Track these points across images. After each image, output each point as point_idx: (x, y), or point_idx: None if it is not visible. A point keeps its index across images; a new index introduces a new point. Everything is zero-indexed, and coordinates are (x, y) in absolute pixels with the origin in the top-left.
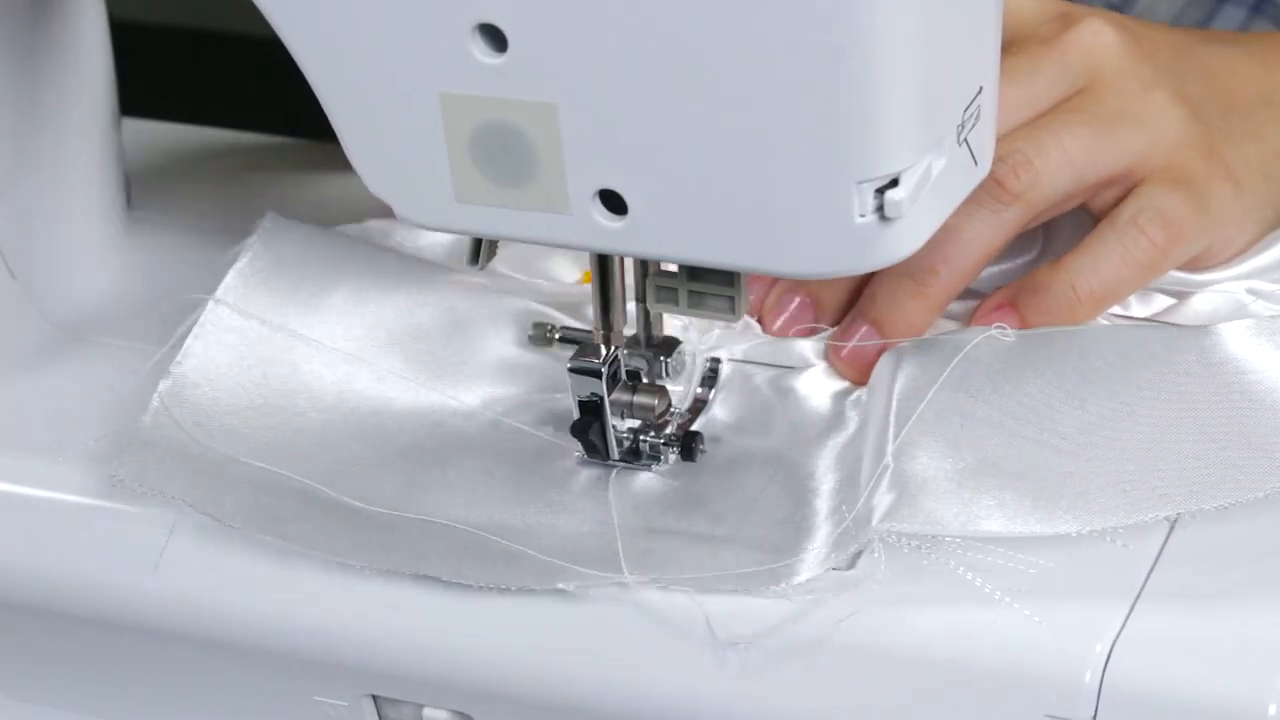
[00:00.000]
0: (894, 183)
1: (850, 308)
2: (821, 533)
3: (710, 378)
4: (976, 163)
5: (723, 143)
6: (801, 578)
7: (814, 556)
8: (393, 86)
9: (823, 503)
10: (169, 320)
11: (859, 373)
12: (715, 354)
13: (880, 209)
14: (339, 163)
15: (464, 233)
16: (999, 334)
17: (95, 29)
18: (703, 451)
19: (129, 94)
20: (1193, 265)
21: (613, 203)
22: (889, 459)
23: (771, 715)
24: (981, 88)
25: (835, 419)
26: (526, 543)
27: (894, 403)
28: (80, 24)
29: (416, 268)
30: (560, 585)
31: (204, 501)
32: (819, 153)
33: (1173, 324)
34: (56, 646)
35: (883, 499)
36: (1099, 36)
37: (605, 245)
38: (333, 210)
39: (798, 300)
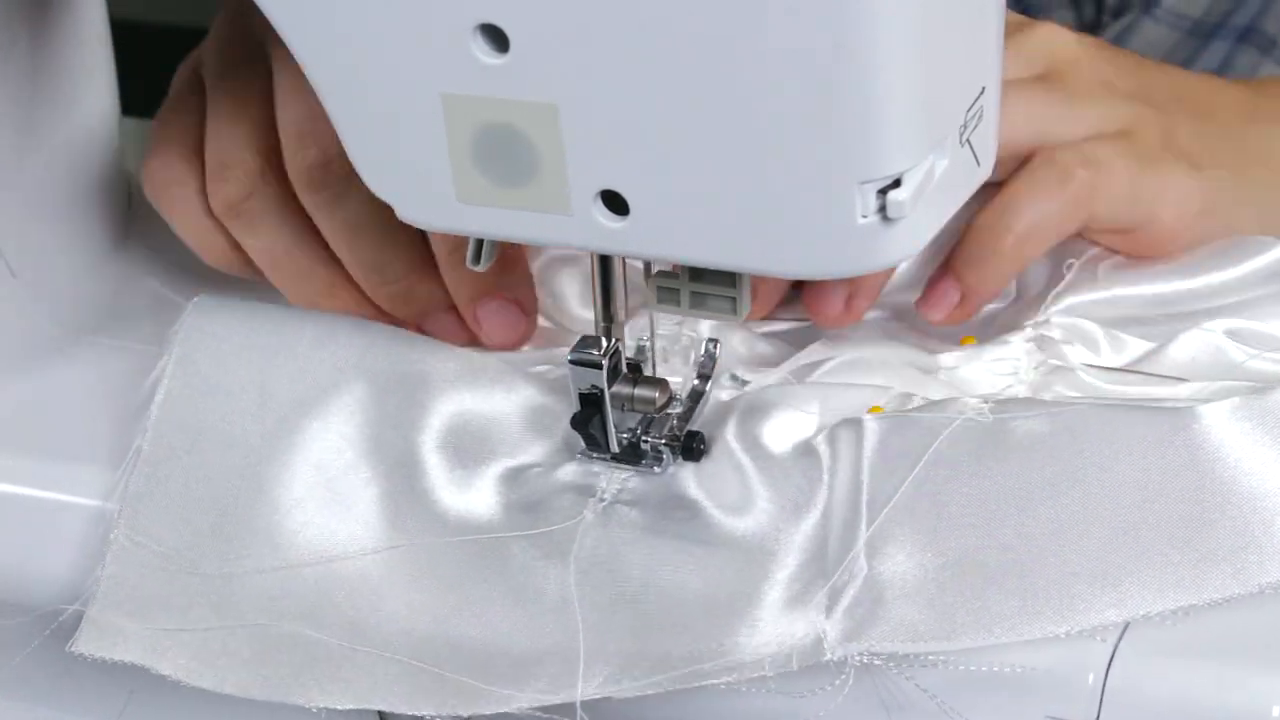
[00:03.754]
0: (896, 183)
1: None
2: (779, 625)
3: (707, 362)
4: (979, 163)
5: (724, 143)
6: (745, 663)
7: (767, 650)
8: (394, 87)
9: (778, 592)
10: (169, 321)
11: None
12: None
13: (883, 209)
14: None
15: (465, 233)
16: (975, 415)
17: (95, 29)
18: (703, 450)
19: (129, 94)
20: (1153, 245)
21: (614, 203)
22: (862, 561)
23: None
24: (984, 88)
25: (805, 485)
26: (485, 661)
27: (864, 483)
28: (80, 24)
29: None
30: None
31: (157, 662)
32: (821, 153)
33: (1155, 405)
34: (57, 646)
35: (856, 611)
36: (1056, 34)
37: (607, 246)
38: None
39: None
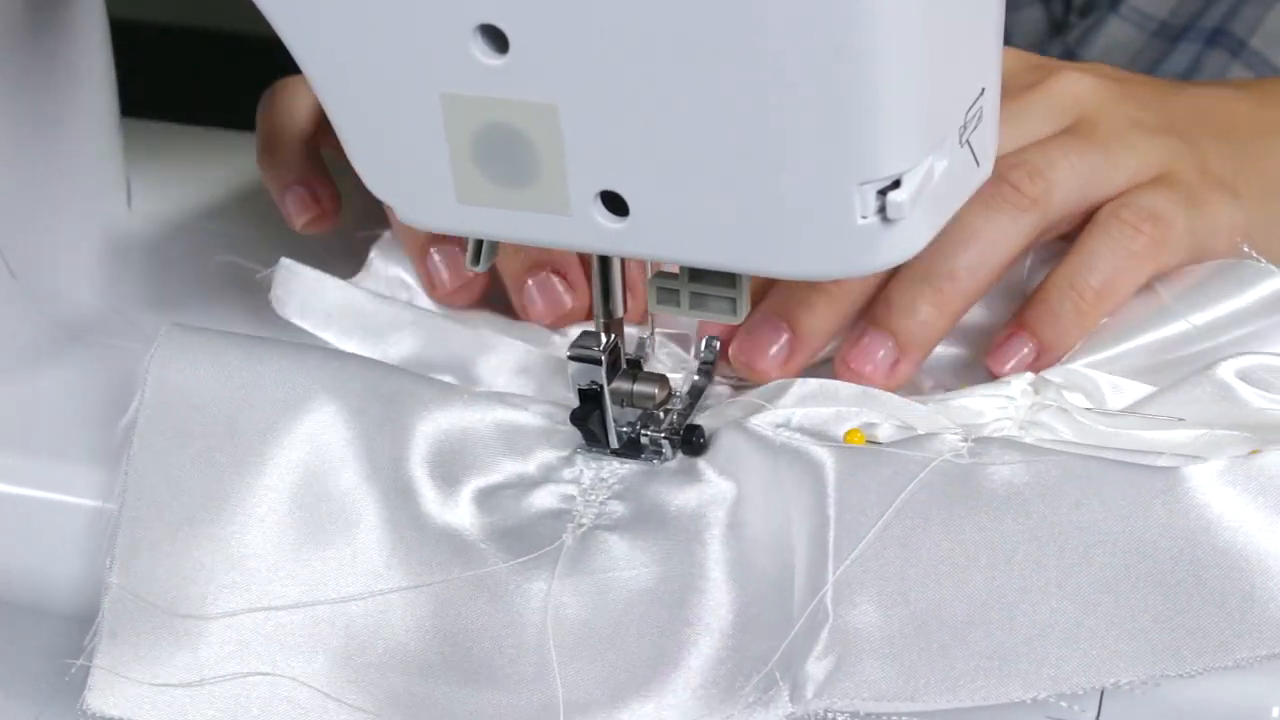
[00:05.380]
0: (896, 184)
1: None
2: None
3: (708, 363)
4: (979, 164)
5: (724, 144)
6: None
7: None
8: (394, 87)
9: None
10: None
11: (867, 383)
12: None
13: (882, 210)
14: (339, 163)
15: (465, 234)
16: (953, 456)
17: (95, 29)
18: (703, 444)
19: (129, 94)
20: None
21: (614, 204)
22: (829, 607)
23: None
24: (983, 89)
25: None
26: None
27: (831, 519)
28: (80, 24)
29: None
30: None
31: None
32: (821, 154)
33: (1140, 463)
34: (56, 646)
35: (820, 664)
36: (1079, 82)
37: (606, 246)
38: None
39: (775, 329)
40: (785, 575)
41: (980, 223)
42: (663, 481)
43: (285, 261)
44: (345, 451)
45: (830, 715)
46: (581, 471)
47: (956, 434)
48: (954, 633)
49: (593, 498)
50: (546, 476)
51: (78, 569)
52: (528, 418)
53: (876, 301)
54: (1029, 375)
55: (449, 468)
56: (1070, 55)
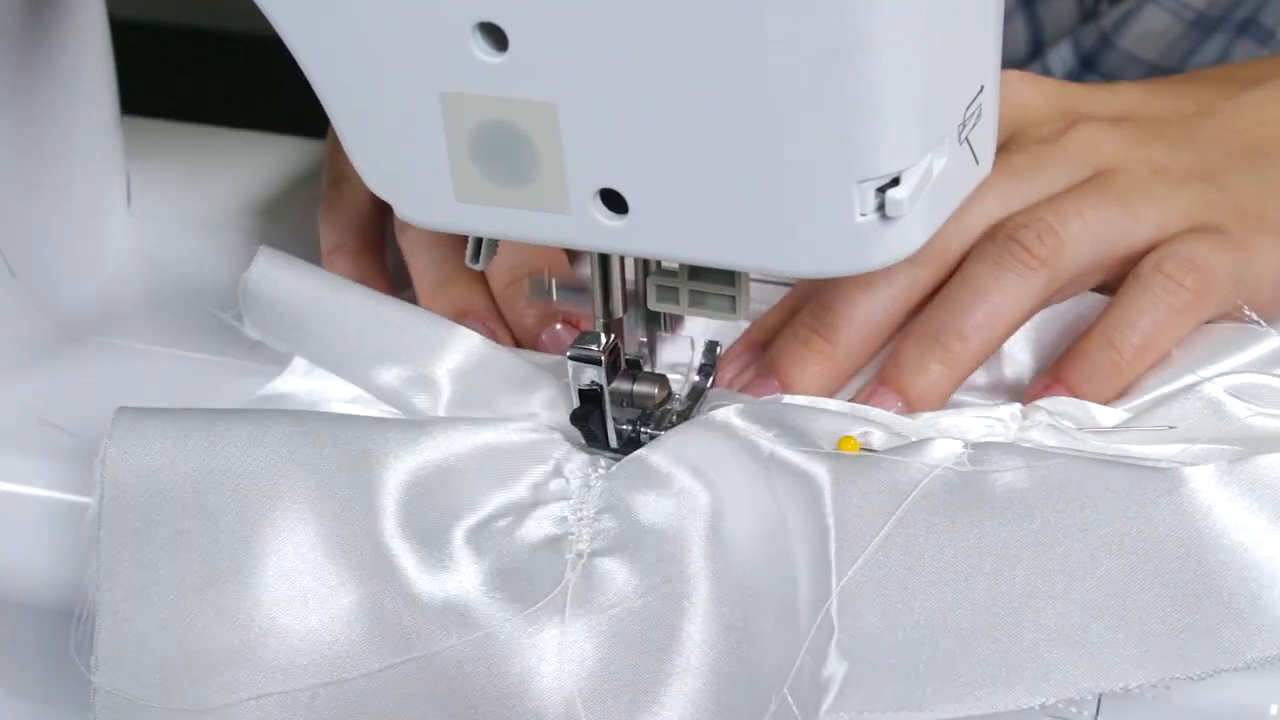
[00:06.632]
0: (895, 182)
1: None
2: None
3: (708, 365)
4: (978, 161)
5: (723, 142)
6: None
7: None
8: (393, 86)
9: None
10: (168, 321)
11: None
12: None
13: (881, 208)
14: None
15: (464, 232)
16: (954, 465)
17: (95, 29)
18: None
19: (129, 94)
20: (1256, 312)
21: (613, 202)
22: (834, 620)
23: None
24: (983, 86)
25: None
26: None
27: (831, 532)
28: (80, 24)
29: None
30: None
31: None
32: (820, 151)
33: (1142, 463)
34: (56, 646)
35: (831, 678)
36: (1099, 134)
37: (606, 245)
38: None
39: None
40: (786, 589)
41: (989, 282)
42: (639, 487)
43: (265, 250)
44: (320, 542)
45: None
46: (568, 482)
47: (955, 440)
48: (959, 640)
49: (584, 513)
50: (537, 497)
51: (78, 569)
52: (506, 435)
53: (887, 360)
54: (1017, 404)
55: (432, 518)
56: (1105, 41)
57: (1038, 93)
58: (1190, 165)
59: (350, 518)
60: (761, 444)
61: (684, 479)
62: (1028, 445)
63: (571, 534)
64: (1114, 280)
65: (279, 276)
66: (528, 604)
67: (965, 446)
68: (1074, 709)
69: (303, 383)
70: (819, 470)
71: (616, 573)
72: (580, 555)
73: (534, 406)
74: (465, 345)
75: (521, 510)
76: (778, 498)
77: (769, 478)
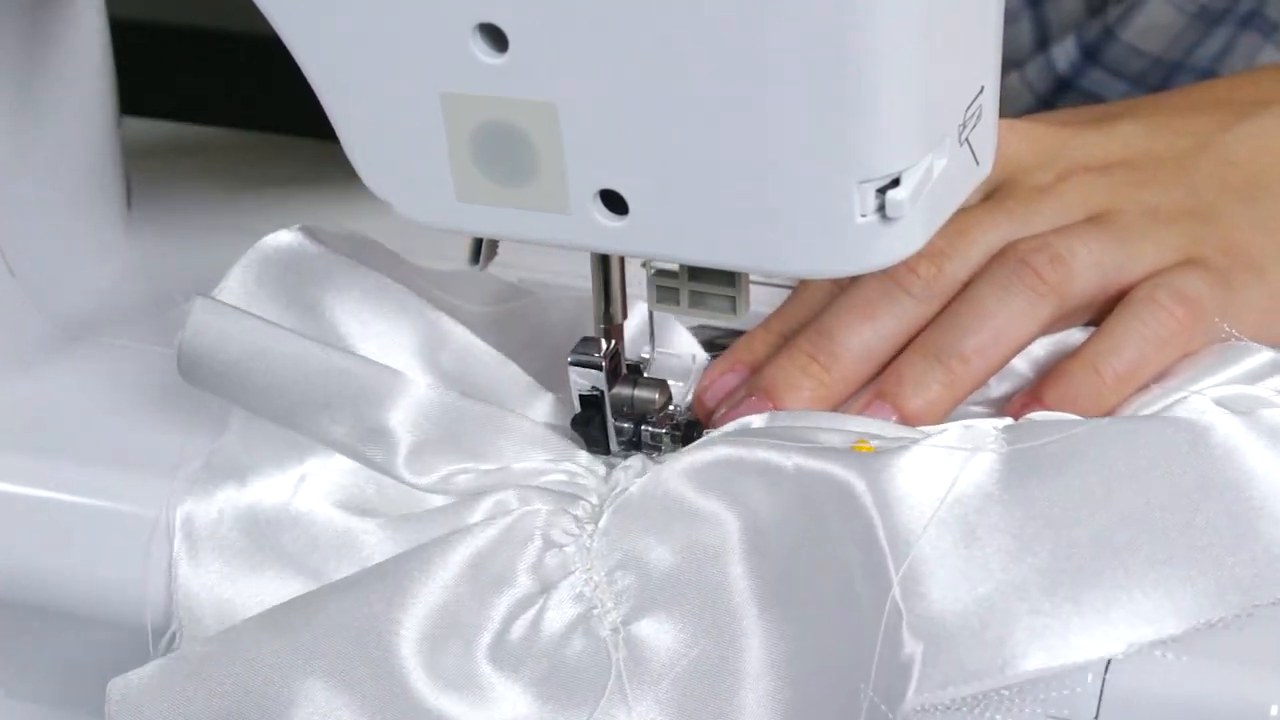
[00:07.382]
0: (895, 182)
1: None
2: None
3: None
4: (978, 162)
5: (723, 143)
6: None
7: None
8: (393, 86)
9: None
10: (168, 321)
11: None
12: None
13: (881, 209)
14: (339, 162)
15: (464, 232)
16: (993, 447)
17: (95, 28)
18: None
19: (129, 94)
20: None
21: (613, 203)
22: (900, 604)
23: None
24: (983, 87)
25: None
26: None
27: (878, 523)
28: (80, 23)
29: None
30: None
31: None
32: (820, 152)
33: (1167, 417)
34: (56, 646)
35: (909, 661)
36: (1091, 186)
37: (606, 245)
38: (332, 210)
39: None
40: (842, 588)
41: (995, 305)
42: (634, 532)
43: (201, 301)
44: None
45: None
46: (563, 550)
47: (986, 421)
48: (1030, 604)
49: (597, 578)
50: (542, 581)
51: (77, 569)
52: (490, 536)
53: (887, 373)
54: (997, 419)
55: (454, 657)
56: (1108, 34)
57: (1028, 142)
58: (1183, 204)
59: (387, 697)
60: (781, 458)
61: (702, 503)
62: (1055, 418)
63: (595, 608)
64: (1099, 317)
65: (219, 326)
66: (587, 702)
67: (996, 429)
68: (1074, 708)
69: (240, 446)
70: (848, 470)
71: (659, 634)
72: (616, 630)
73: (502, 446)
74: (413, 393)
75: (532, 604)
76: (813, 503)
77: (798, 487)
